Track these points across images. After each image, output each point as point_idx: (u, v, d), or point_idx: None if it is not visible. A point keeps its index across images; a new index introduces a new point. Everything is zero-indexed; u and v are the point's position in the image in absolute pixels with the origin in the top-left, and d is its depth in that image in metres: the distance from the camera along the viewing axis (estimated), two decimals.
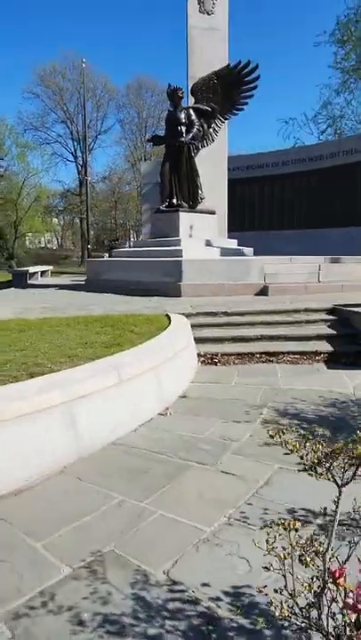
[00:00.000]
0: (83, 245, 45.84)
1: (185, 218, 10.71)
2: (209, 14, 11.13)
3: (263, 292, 9.14)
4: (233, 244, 11.71)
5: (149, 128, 46.59)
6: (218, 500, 2.59)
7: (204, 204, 11.24)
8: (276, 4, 69.51)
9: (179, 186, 10.91)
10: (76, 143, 45.50)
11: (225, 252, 10.69)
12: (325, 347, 5.95)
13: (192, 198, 11.07)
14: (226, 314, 7.00)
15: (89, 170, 39.28)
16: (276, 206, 16.30)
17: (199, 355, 5.75)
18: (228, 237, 12.51)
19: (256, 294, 9.16)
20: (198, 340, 6.00)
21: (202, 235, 10.86)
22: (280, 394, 4.48)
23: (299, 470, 1.58)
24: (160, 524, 2.36)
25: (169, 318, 6.17)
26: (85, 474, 2.93)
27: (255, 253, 11.76)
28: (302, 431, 3.59)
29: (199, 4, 11.06)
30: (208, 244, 10.77)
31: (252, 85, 10.76)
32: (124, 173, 48.23)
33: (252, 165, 15.86)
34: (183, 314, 6.76)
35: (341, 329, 6.43)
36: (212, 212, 11.41)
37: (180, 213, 10.64)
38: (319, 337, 6.25)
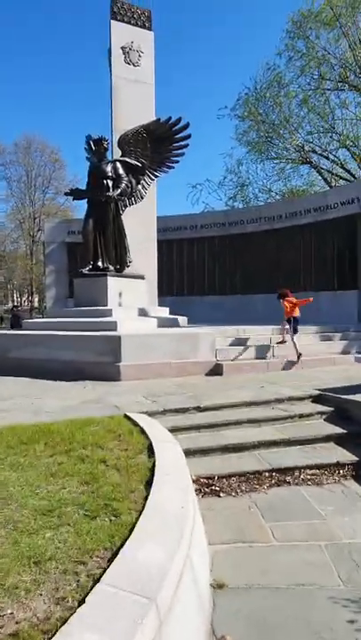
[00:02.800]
0: None
1: (114, 283, 9.13)
2: (135, 66, 10.26)
3: (216, 370, 7.79)
4: (165, 312, 10.30)
5: (39, 187, 44.96)
6: None
7: (131, 267, 9.82)
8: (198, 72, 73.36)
9: (105, 246, 9.39)
10: None
11: (161, 322, 9.23)
12: (345, 455, 4.62)
13: (120, 261, 9.61)
14: (199, 409, 5.44)
15: None
16: (196, 271, 15.42)
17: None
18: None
19: (207, 374, 7.79)
20: None
21: (133, 303, 9.34)
22: (357, 559, 2.95)
23: None
24: None
25: (137, 426, 4.40)
26: None
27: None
28: None
29: (124, 54, 10.16)
30: (142, 313, 9.25)
31: (183, 143, 9.93)
32: (11, 231, 45.31)
33: (170, 228, 14.92)
34: (146, 412, 5.06)
35: (346, 425, 5.20)
36: (142, 277, 10.01)
37: (109, 278, 9.05)
38: (328, 438, 4.95)
